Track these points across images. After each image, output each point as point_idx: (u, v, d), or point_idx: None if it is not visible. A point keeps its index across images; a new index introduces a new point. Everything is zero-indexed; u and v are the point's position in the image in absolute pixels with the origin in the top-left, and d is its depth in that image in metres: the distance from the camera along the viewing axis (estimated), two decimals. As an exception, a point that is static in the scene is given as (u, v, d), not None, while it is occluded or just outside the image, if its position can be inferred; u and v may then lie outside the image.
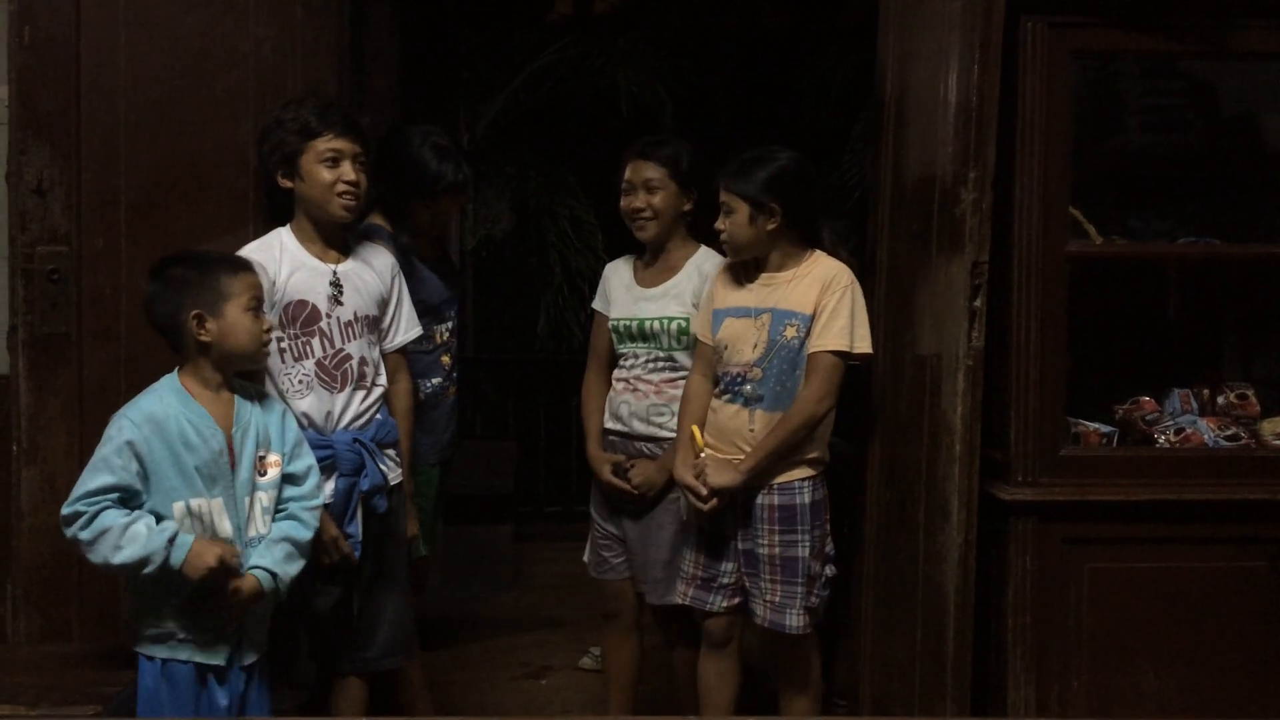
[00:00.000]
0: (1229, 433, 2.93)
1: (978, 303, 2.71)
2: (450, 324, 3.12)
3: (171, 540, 2.29)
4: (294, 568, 2.45)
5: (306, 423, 2.62)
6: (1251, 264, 3.10)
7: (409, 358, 2.92)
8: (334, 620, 2.71)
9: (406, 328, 2.85)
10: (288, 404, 2.60)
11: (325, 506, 2.57)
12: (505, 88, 7.58)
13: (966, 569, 2.72)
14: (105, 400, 2.79)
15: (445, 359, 3.09)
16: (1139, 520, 2.80)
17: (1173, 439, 2.92)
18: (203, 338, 2.39)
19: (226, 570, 2.34)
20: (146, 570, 2.30)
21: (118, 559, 2.29)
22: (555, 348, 7.80)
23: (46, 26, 2.77)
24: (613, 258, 3.41)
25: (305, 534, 2.47)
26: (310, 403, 2.64)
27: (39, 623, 2.81)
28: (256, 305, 2.44)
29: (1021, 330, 2.77)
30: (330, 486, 2.62)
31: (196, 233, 2.78)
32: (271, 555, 2.42)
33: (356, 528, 2.67)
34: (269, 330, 2.47)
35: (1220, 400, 3.02)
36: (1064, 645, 2.79)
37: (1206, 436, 2.92)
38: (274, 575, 2.41)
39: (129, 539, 2.28)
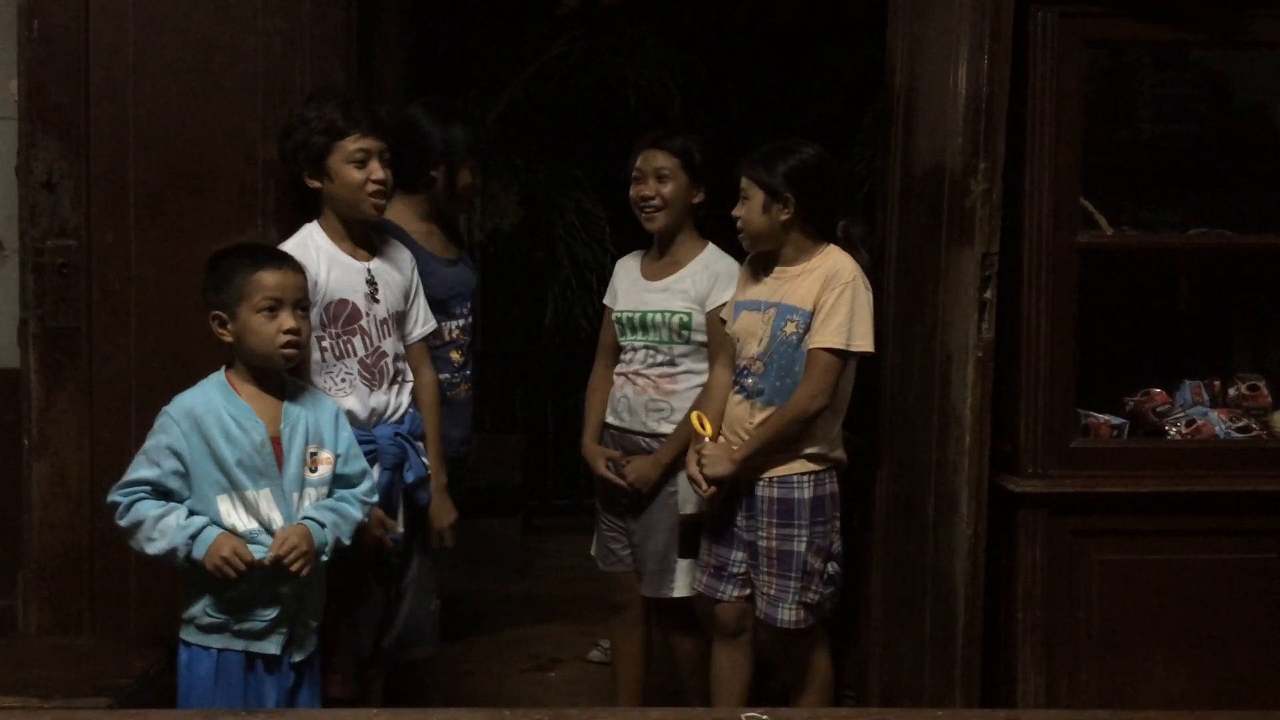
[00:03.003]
0: (1240, 424, 2.93)
1: (988, 294, 2.70)
2: (461, 321, 3.04)
3: (194, 536, 2.30)
4: (342, 533, 2.42)
5: (349, 420, 2.60)
6: (1263, 255, 3.09)
7: (418, 351, 2.91)
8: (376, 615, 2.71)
9: (424, 320, 2.84)
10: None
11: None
12: (513, 81, 7.57)
13: (976, 561, 2.72)
14: (115, 393, 2.81)
15: (455, 355, 3.05)
16: (1149, 512, 2.79)
17: (1184, 431, 2.92)
18: (224, 338, 2.39)
19: (245, 560, 2.32)
20: (176, 562, 2.33)
21: (151, 550, 2.32)
22: (562, 341, 7.79)
23: (55, 20, 2.77)
24: (620, 252, 3.40)
25: (355, 513, 2.45)
26: (353, 401, 2.63)
27: (50, 615, 2.82)
28: (270, 306, 2.37)
29: (1032, 322, 2.77)
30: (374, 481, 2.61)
31: (205, 225, 2.78)
32: (321, 514, 2.40)
33: (399, 522, 2.67)
34: (287, 331, 2.38)
35: (1231, 392, 3.02)
36: (1074, 637, 2.79)
37: (1218, 428, 2.91)
38: (322, 526, 2.38)
39: (160, 531, 2.31)
